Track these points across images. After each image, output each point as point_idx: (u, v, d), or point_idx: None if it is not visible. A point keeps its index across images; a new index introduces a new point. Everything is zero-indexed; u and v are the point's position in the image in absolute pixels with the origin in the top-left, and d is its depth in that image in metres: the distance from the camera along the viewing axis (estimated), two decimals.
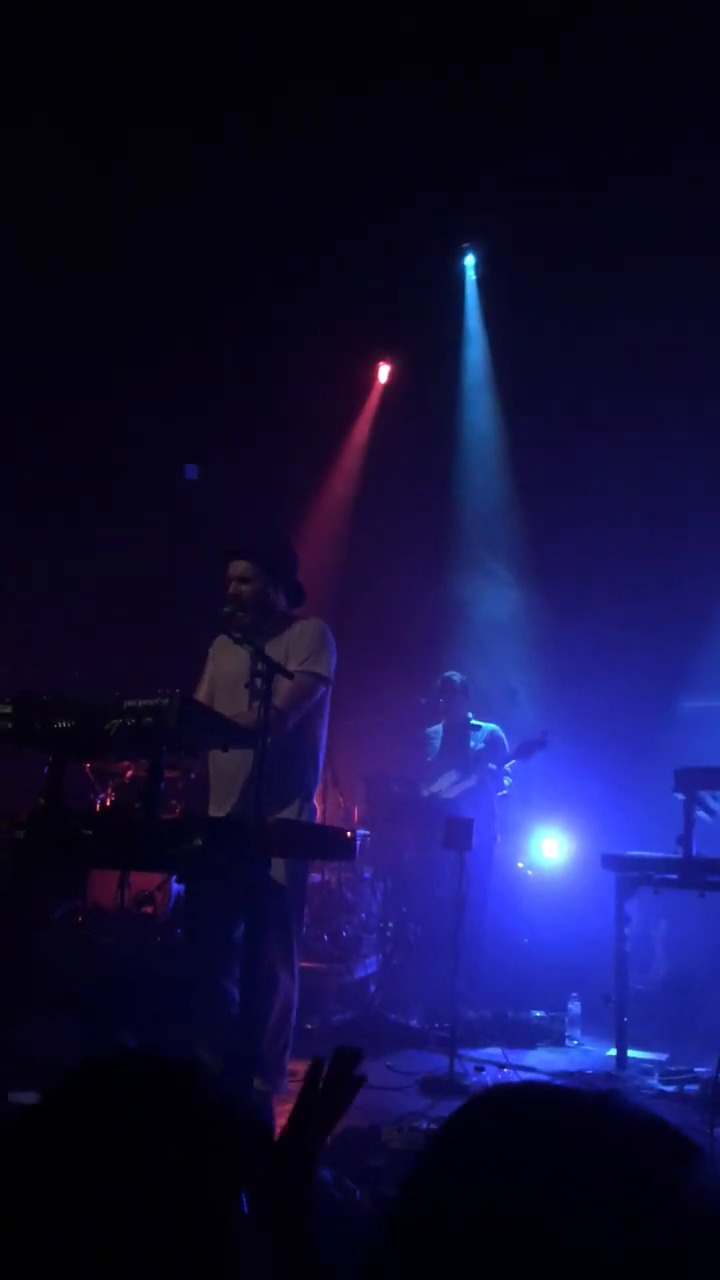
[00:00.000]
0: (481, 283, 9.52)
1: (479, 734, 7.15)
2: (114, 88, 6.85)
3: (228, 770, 4.26)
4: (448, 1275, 0.78)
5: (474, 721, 7.23)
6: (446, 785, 7.05)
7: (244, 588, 4.30)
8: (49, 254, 7.49)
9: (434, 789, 7.08)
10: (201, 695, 4.42)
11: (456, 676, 7.32)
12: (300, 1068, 4.92)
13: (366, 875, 7.12)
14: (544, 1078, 5.17)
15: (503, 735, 7.13)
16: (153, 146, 7.22)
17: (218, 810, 4.28)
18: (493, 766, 6.89)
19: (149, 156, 7.25)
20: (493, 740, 7.11)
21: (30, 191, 7.02)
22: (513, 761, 6.88)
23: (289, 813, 4.18)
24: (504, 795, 7.01)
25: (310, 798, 4.37)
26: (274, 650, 4.11)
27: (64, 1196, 0.92)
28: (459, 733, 7.20)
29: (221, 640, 4.49)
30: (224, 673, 4.42)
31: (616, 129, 7.32)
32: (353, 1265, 0.87)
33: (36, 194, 7.06)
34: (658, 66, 6.87)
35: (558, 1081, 0.91)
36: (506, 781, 6.94)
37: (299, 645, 4.27)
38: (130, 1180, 0.93)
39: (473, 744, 7.13)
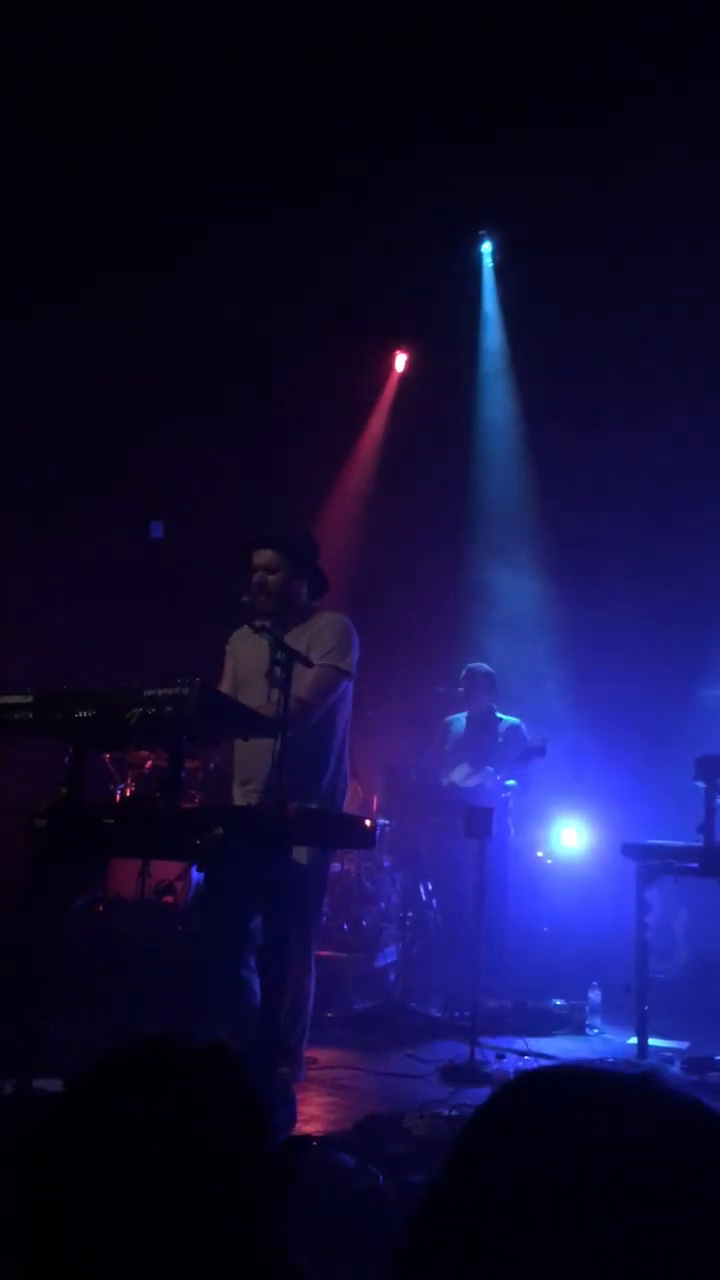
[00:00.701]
0: (499, 270, 9.47)
1: (501, 726, 7.14)
2: (127, 79, 6.83)
3: (249, 760, 4.27)
4: (496, 1254, 0.77)
5: (497, 714, 7.22)
6: (460, 776, 7.05)
7: (270, 577, 4.30)
8: (71, 246, 7.49)
9: (451, 778, 7.08)
10: (224, 689, 4.43)
11: (482, 667, 7.29)
12: (321, 1055, 4.97)
13: (386, 864, 7.12)
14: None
15: (524, 730, 7.12)
16: (165, 136, 7.21)
17: (238, 799, 4.29)
18: (490, 769, 6.88)
19: (161, 146, 7.23)
20: (512, 734, 7.10)
21: (50, 184, 7.01)
22: (515, 765, 6.89)
23: (313, 800, 4.17)
24: (509, 795, 6.98)
25: (341, 784, 4.37)
26: (296, 641, 4.11)
27: (100, 1183, 0.92)
28: (481, 724, 7.19)
29: (240, 633, 4.49)
30: (245, 665, 4.42)
31: (635, 114, 7.28)
32: (377, 1249, 0.86)
33: (57, 187, 7.05)
34: (676, 52, 6.82)
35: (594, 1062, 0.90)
36: (509, 783, 6.92)
37: (321, 639, 4.27)
38: (165, 1165, 0.93)
39: (494, 737, 7.12)
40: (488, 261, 9.52)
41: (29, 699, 3.68)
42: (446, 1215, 0.81)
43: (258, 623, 4.12)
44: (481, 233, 9.34)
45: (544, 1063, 5.12)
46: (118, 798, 6.55)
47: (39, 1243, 0.92)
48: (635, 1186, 0.76)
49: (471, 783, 6.94)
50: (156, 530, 8.11)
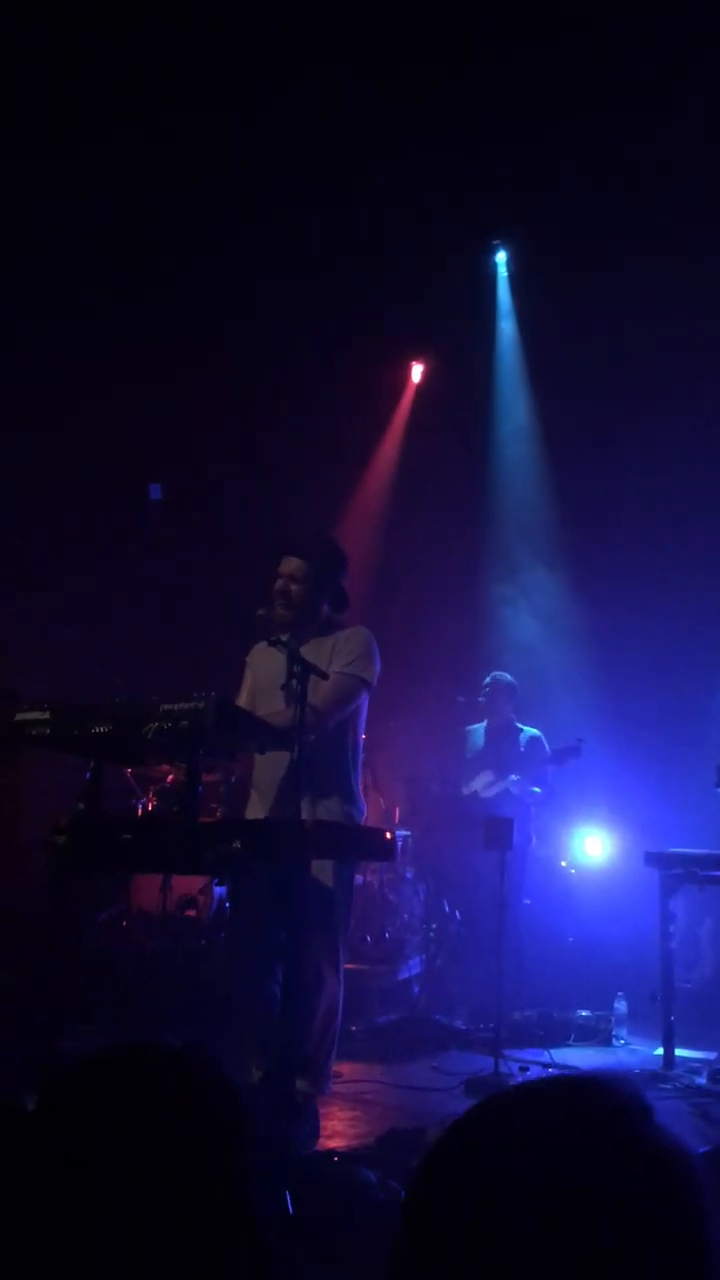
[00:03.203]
0: (513, 279, 9.46)
1: (521, 737, 7.10)
2: (148, 83, 6.87)
3: (269, 772, 4.25)
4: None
5: (517, 724, 7.18)
6: (482, 785, 7.01)
7: (293, 586, 4.25)
8: (91, 255, 7.54)
9: (471, 787, 7.05)
10: (243, 703, 4.41)
11: (505, 677, 7.25)
12: (345, 1068, 4.95)
13: (409, 876, 7.10)
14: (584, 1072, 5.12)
15: (544, 741, 7.08)
16: (176, 148, 7.24)
17: (256, 812, 4.28)
18: (515, 777, 6.84)
19: (183, 153, 7.27)
20: (533, 745, 7.06)
21: (72, 186, 7.05)
22: (548, 766, 6.84)
23: (333, 813, 4.15)
24: (536, 799, 6.95)
25: (355, 798, 4.35)
26: (316, 653, 4.08)
27: (68, 1195, 0.93)
28: (502, 734, 7.15)
29: (260, 647, 4.47)
30: (263, 677, 4.40)
31: (650, 120, 7.26)
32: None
33: (78, 188, 7.09)
34: (694, 59, 6.80)
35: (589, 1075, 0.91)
36: (535, 790, 6.89)
37: (344, 650, 4.24)
38: (134, 1173, 0.93)
39: (514, 747, 7.08)
40: (502, 270, 9.51)
41: (46, 715, 3.68)
42: (419, 1233, 0.83)
43: (275, 637, 4.10)
44: (495, 242, 9.34)
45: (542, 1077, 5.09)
46: (139, 812, 6.56)
47: (11, 1255, 0.92)
48: (580, 1218, 0.78)
49: (495, 790, 6.90)
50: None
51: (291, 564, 4.27)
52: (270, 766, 4.22)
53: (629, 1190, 0.80)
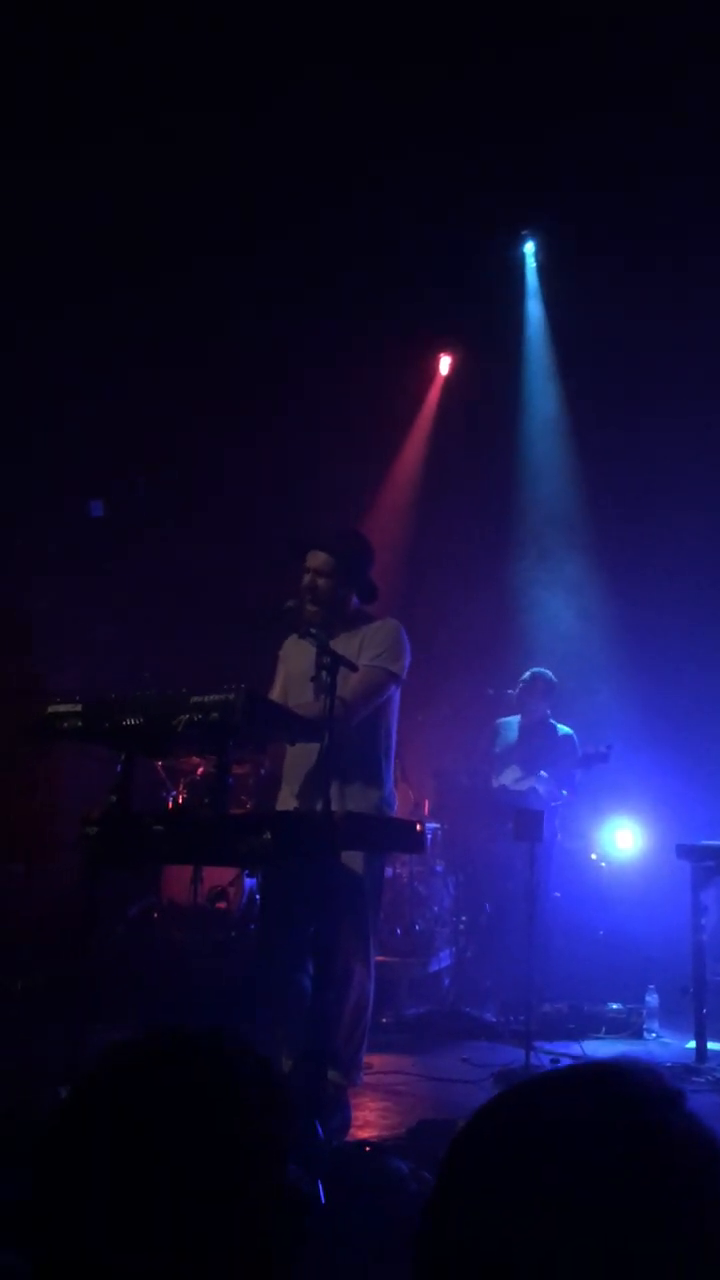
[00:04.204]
0: (542, 270, 9.41)
1: (555, 735, 7.07)
2: (165, 77, 6.88)
3: (300, 763, 4.26)
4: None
5: (552, 721, 7.15)
6: (511, 780, 6.99)
7: (320, 581, 4.26)
8: (118, 250, 7.56)
9: (501, 780, 7.03)
10: (275, 696, 4.42)
11: (545, 673, 7.19)
12: (375, 1060, 4.96)
13: (438, 868, 7.09)
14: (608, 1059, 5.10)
15: (576, 741, 7.04)
16: (178, 148, 7.25)
17: (288, 804, 4.29)
18: (544, 775, 6.82)
19: (198, 144, 7.27)
20: (566, 744, 7.02)
21: (70, 186, 7.07)
22: (576, 770, 6.81)
23: (364, 805, 4.15)
24: (559, 804, 6.91)
25: (386, 789, 4.35)
26: (346, 646, 4.09)
27: (106, 1178, 0.93)
28: (536, 731, 7.12)
29: (292, 640, 4.48)
30: (294, 671, 4.42)
31: (679, 109, 7.20)
32: None
33: (89, 183, 7.12)
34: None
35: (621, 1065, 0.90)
36: (563, 793, 6.86)
37: (374, 642, 4.25)
38: (174, 1154, 0.94)
39: (547, 745, 7.05)
40: (530, 261, 9.45)
41: (78, 708, 3.71)
42: (444, 1225, 0.84)
43: (305, 629, 4.10)
44: (524, 232, 9.29)
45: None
46: (169, 804, 6.58)
47: (48, 1238, 0.93)
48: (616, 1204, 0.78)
49: (523, 786, 6.87)
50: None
51: (318, 558, 4.28)
52: (301, 758, 4.23)
53: (656, 1176, 0.79)
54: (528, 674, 7.20)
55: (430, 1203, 0.86)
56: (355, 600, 4.41)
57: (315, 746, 3.97)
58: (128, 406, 8.18)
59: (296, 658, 4.42)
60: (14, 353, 7.44)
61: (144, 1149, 0.94)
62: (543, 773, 6.84)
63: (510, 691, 7.26)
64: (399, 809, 7.04)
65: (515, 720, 7.25)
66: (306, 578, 4.28)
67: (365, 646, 4.21)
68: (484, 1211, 0.80)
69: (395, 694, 4.37)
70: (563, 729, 7.08)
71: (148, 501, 8.47)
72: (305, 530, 4.53)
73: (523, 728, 7.17)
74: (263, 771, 6.32)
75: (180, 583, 8.31)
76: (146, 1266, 0.90)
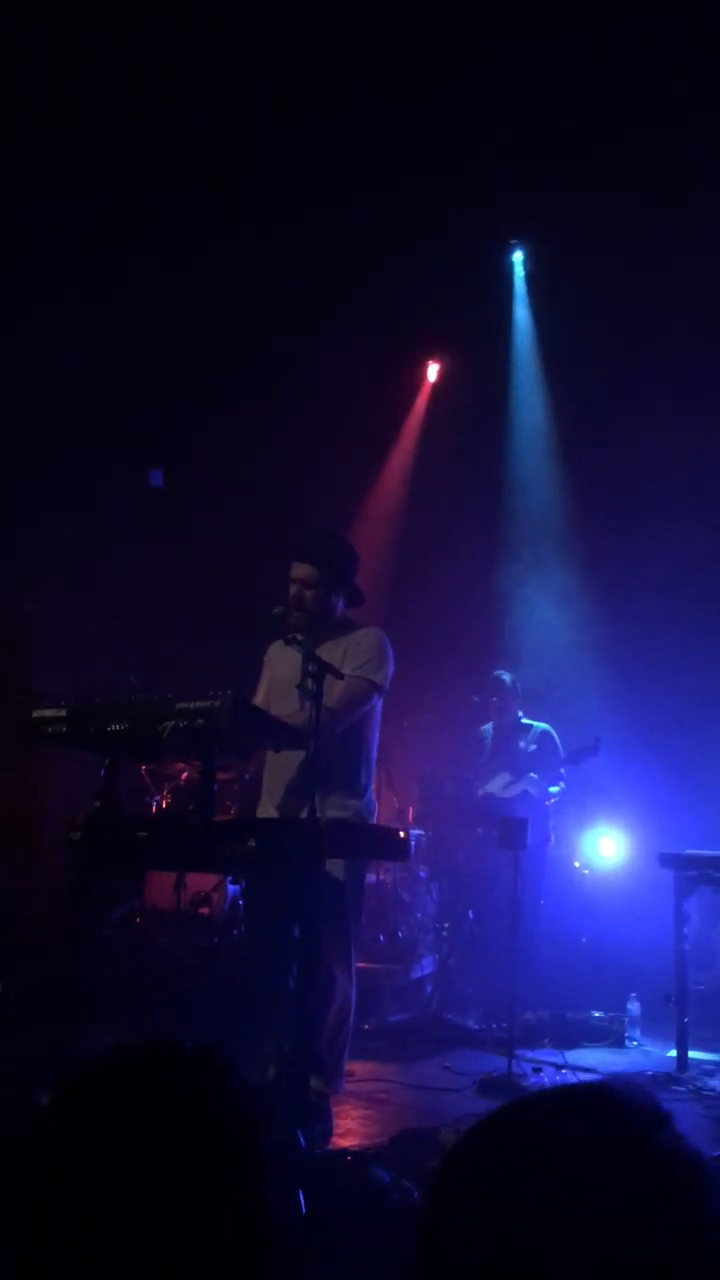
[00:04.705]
0: (531, 278, 9.44)
1: (530, 734, 7.07)
2: (161, 78, 6.88)
3: (281, 771, 4.26)
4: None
5: (525, 721, 7.14)
6: (500, 786, 6.99)
7: (307, 592, 4.27)
8: (112, 252, 7.56)
9: (488, 789, 7.03)
10: (259, 701, 4.43)
11: (505, 675, 7.21)
12: (357, 1067, 4.95)
13: (422, 875, 7.09)
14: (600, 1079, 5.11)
15: (555, 735, 7.04)
16: (177, 148, 7.25)
17: (268, 811, 4.29)
18: (534, 776, 6.82)
19: (195, 147, 7.28)
20: (544, 741, 7.02)
21: (80, 181, 7.07)
22: (564, 767, 6.82)
23: (344, 814, 4.16)
24: (555, 802, 6.93)
25: (366, 797, 4.36)
26: (330, 654, 4.09)
27: (79, 1190, 0.94)
28: (509, 733, 7.13)
29: (277, 645, 4.48)
30: (279, 676, 4.42)
31: (669, 121, 7.24)
32: (412, 1265, 0.89)
33: (87, 184, 7.11)
34: (713, 58, 6.78)
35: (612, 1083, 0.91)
36: (554, 789, 6.86)
37: (357, 652, 4.26)
38: (145, 1171, 0.95)
39: (523, 744, 7.05)
40: (519, 269, 9.48)
41: (63, 713, 3.71)
42: (441, 1240, 0.84)
43: (291, 636, 4.11)
44: (513, 241, 9.32)
45: (582, 1076, 5.09)
46: (154, 809, 6.57)
47: (33, 1244, 0.94)
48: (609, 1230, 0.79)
49: (514, 791, 6.87)
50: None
51: (303, 569, 4.28)
52: (281, 766, 4.24)
53: (646, 1190, 0.81)
54: (489, 678, 7.21)
55: (425, 1214, 0.87)
56: (340, 606, 4.42)
57: (296, 755, 3.98)
58: (122, 411, 8.17)
59: (281, 663, 4.43)
60: (10, 353, 7.42)
61: (122, 1158, 0.95)
62: (532, 774, 6.85)
63: (492, 699, 7.25)
64: (382, 816, 7.07)
65: (490, 726, 7.26)
66: (293, 588, 4.28)
67: (349, 656, 4.22)
68: (480, 1221, 0.82)
69: (378, 704, 4.38)
70: (538, 726, 7.09)
71: (141, 504, 8.46)
72: (291, 539, 4.53)
73: (497, 731, 7.18)
74: (247, 777, 6.30)
75: (172, 586, 8.31)
76: (125, 1270, 0.91)
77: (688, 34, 6.81)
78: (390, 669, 4.34)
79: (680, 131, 7.27)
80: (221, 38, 6.78)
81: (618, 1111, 0.85)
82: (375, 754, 4.47)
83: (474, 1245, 0.81)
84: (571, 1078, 5.00)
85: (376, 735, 4.45)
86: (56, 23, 6.47)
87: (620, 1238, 0.78)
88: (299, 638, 4.03)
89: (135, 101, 7.00)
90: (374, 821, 4.49)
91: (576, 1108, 0.87)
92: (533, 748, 7.00)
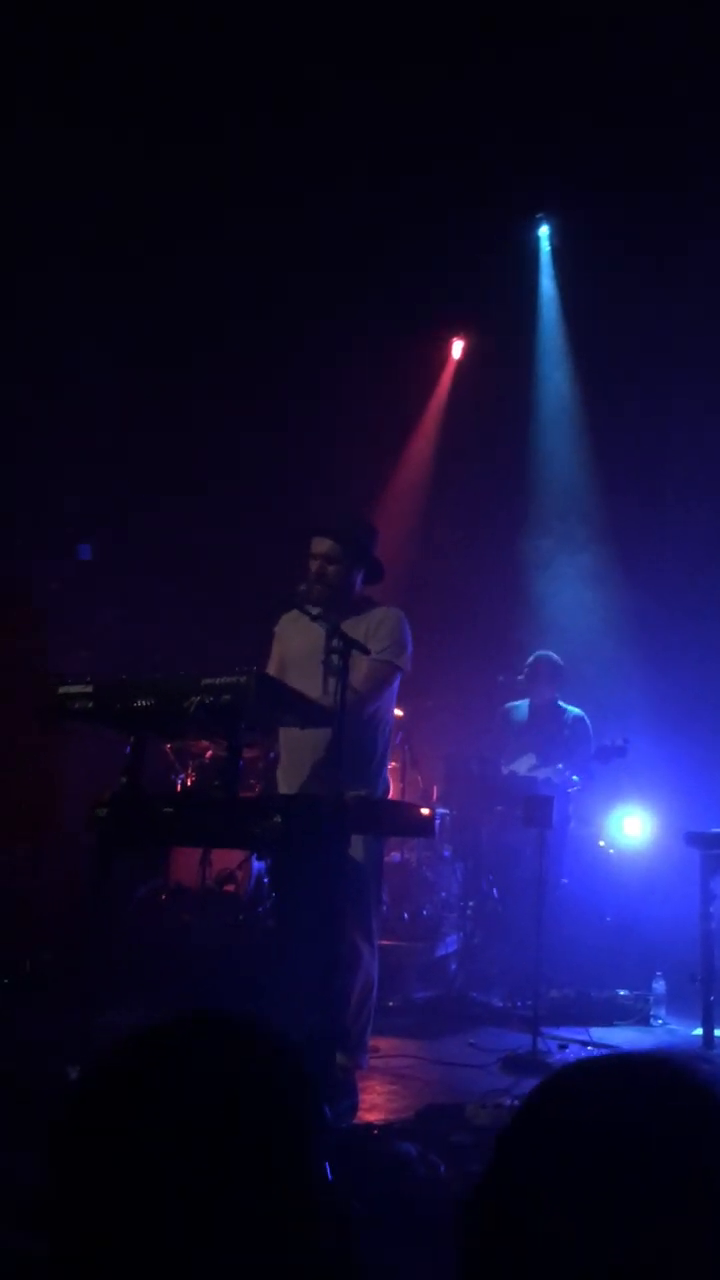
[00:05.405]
0: (556, 253, 9.35)
1: (566, 718, 7.05)
2: (186, 65, 6.85)
3: (300, 748, 4.26)
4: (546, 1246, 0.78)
5: (561, 704, 7.13)
6: (525, 767, 6.97)
7: (329, 568, 4.27)
8: (103, 250, 7.55)
9: (513, 767, 7.02)
10: (270, 673, 4.42)
11: (552, 656, 7.17)
12: (383, 1044, 4.97)
13: (446, 854, 7.09)
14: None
15: (588, 722, 7.01)
16: (196, 142, 7.23)
17: (288, 788, 4.29)
18: (560, 766, 6.80)
19: (191, 151, 7.26)
20: (578, 726, 6.99)
21: (80, 181, 7.06)
22: (592, 763, 6.80)
23: (361, 790, 4.16)
24: (575, 790, 6.90)
25: (381, 775, 4.37)
26: (352, 632, 4.08)
27: (127, 1161, 0.91)
28: (545, 714, 7.10)
29: (288, 617, 4.48)
30: (293, 650, 4.41)
31: (692, 91, 7.15)
32: (438, 1239, 0.88)
33: (87, 184, 7.11)
34: None
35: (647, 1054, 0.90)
36: (576, 779, 6.83)
37: (379, 634, 4.26)
38: (195, 1140, 0.92)
39: (556, 728, 7.03)
40: (545, 245, 9.39)
41: (89, 689, 3.71)
42: (497, 1212, 0.84)
43: (313, 610, 4.10)
44: (539, 215, 9.23)
45: (604, 1053, 5.08)
46: (178, 787, 6.59)
47: (64, 1222, 0.92)
48: (674, 1183, 0.79)
49: (539, 775, 6.86)
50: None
51: (324, 544, 4.28)
52: (298, 744, 4.24)
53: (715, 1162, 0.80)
54: (531, 658, 7.19)
55: (489, 1177, 0.85)
56: (359, 582, 4.42)
57: (313, 732, 3.98)
58: (141, 394, 8.17)
59: (295, 637, 4.41)
60: (26, 336, 7.43)
61: (166, 1135, 0.92)
62: (559, 765, 6.82)
63: (519, 677, 7.24)
64: (408, 794, 7.07)
65: (524, 704, 7.24)
66: (315, 564, 4.28)
67: (371, 637, 4.21)
68: (546, 1193, 0.81)
69: (396, 686, 4.39)
70: (573, 710, 7.06)
71: (160, 486, 8.47)
72: (311, 515, 4.53)
73: (531, 712, 7.16)
74: (272, 755, 6.31)
75: (193, 565, 8.31)
76: (163, 1253, 0.88)
77: (688, 34, 6.75)
78: (410, 650, 4.35)
79: (706, 101, 7.18)
80: (221, 38, 6.76)
81: (687, 1080, 0.85)
82: (389, 735, 4.48)
83: (537, 1216, 0.80)
84: (596, 1055, 4.99)
85: (391, 718, 4.46)
86: (56, 23, 6.47)
87: (693, 1204, 0.78)
88: (316, 612, 4.03)
89: (135, 101, 7.00)
90: (390, 796, 4.49)
91: (646, 1074, 0.86)
92: (566, 733, 6.98)
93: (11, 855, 6.95)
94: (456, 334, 9.94)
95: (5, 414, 7.47)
